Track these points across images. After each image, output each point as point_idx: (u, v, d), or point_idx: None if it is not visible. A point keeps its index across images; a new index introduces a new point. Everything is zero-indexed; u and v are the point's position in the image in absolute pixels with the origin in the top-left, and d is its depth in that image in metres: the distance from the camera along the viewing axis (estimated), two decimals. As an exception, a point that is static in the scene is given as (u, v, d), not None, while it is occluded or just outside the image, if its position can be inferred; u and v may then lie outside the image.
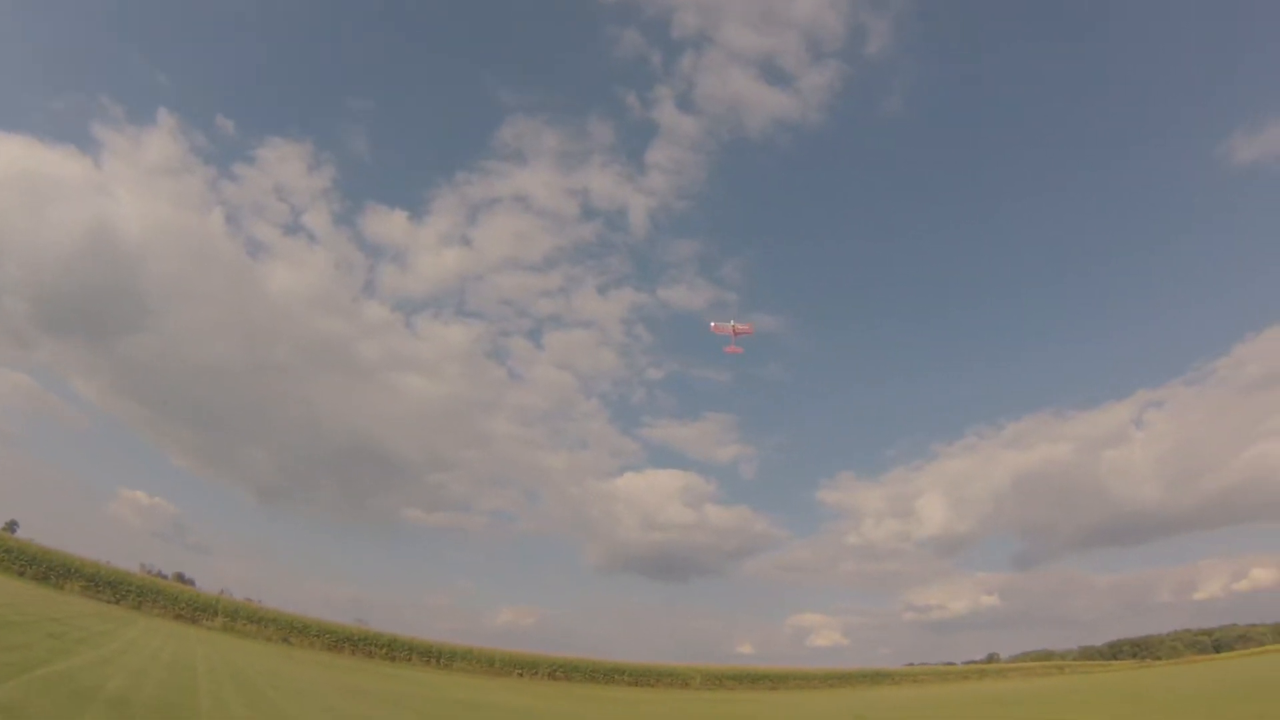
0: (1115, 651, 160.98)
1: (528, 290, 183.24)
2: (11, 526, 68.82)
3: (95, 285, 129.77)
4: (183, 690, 20.33)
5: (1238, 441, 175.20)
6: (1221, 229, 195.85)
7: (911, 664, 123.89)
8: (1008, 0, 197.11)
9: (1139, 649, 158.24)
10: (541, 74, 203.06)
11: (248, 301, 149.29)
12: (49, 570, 50.31)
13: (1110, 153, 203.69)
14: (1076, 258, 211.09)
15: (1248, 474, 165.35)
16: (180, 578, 72.55)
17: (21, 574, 49.40)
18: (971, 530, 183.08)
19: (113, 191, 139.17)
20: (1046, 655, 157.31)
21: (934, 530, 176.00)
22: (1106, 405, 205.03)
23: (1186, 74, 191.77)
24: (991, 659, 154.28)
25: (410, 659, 59.18)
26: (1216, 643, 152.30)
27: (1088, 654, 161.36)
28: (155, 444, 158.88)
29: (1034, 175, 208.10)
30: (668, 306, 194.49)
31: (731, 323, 62.55)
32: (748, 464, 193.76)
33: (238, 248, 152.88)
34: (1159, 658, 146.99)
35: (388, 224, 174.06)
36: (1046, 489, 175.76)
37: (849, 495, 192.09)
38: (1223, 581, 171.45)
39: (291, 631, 55.41)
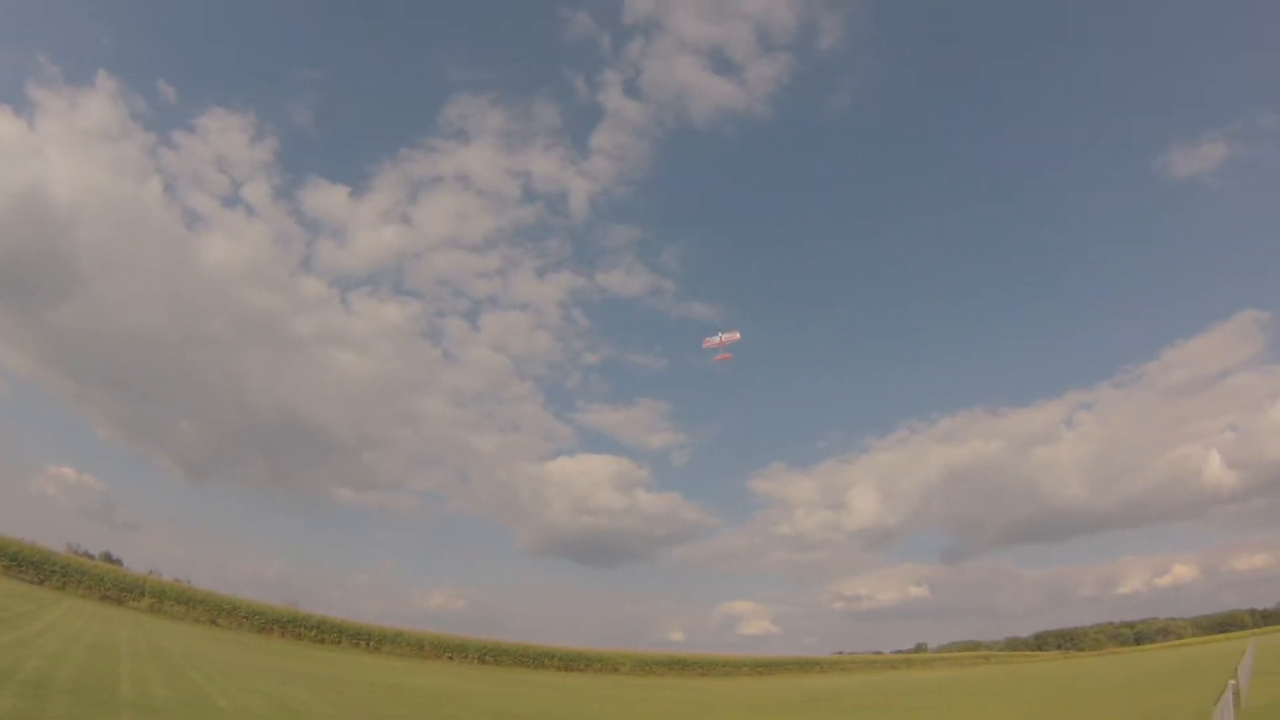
0: (1041, 643, 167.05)
1: (465, 270, 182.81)
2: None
3: (24, 252, 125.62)
4: (103, 672, 20.60)
5: (1162, 443, 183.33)
6: (1157, 240, 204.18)
7: (841, 653, 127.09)
8: (958, 8, 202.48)
9: (1064, 640, 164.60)
10: (490, 52, 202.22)
11: (182, 273, 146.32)
12: (-31, 549, 49.38)
13: (1052, 162, 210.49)
14: (1015, 261, 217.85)
15: (1171, 475, 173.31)
16: (108, 557, 71.35)
17: (-61, 553, 48.50)
18: (901, 522, 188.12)
19: (46, 155, 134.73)
20: (974, 646, 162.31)
21: (864, 522, 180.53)
22: (1038, 404, 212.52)
23: (1129, 88, 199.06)
24: (920, 649, 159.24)
25: (339, 641, 59.42)
26: (1138, 635, 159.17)
27: (1014, 645, 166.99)
28: (83, 417, 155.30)
29: (976, 181, 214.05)
30: (605, 291, 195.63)
31: (719, 335, 65.07)
32: (680, 451, 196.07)
33: (174, 218, 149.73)
34: (1083, 649, 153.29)
35: (328, 199, 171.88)
36: (977, 484, 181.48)
37: (780, 485, 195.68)
38: (1145, 577, 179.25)
39: (220, 613, 55.09)
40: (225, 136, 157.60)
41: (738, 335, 68.54)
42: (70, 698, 15.61)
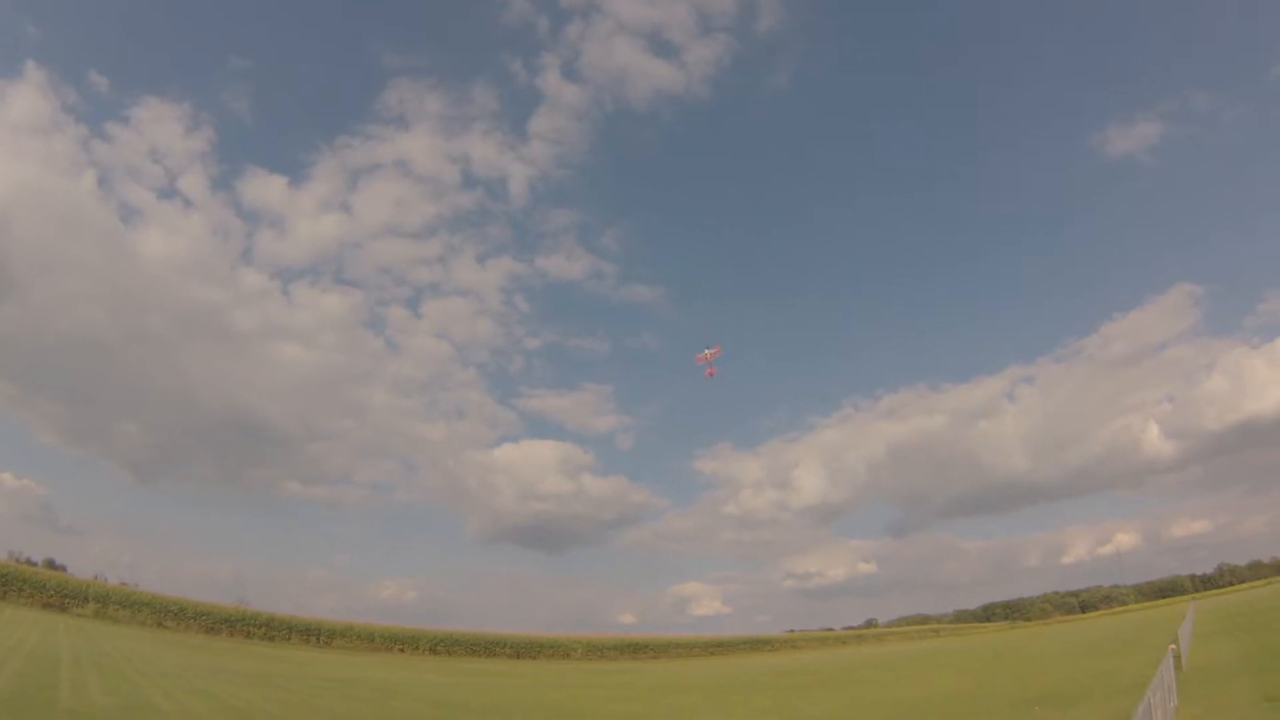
0: (989, 614, 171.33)
1: (406, 258, 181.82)
2: None
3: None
4: (42, 680, 20.63)
5: (1102, 415, 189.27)
6: (1094, 216, 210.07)
7: (793, 631, 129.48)
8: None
9: (1011, 611, 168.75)
10: (428, 37, 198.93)
11: (120, 270, 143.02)
12: (-97, 560, 48.47)
13: (989, 141, 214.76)
14: (954, 239, 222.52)
15: (1111, 445, 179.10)
16: (51, 564, 70.25)
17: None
18: (848, 499, 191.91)
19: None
20: (923, 619, 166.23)
21: (811, 499, 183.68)
22: (979, 379, 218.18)
23: (1064, 68, 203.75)
24: (870, 624, 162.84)
25: (290, 638, 59.32)
26: (1083, 603, 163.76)
27: (962, 617, 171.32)
28: (23, 422, 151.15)
29: (915, 160, 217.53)
30: (546, 276, 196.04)
31: (706, 351, 67.36)
32: (625, 434, 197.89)
33: (110, 213, 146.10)
34: (1030, 619, 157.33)
35: (267, 189, 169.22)
36: (921, 459, 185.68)
37: (726, 465, 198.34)
38: (1088, 546, 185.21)
39: (166, 615, 54.70)
40: (160, 127, 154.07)
41: (720, 349, 70.82)
42: (5, 707, 15.83)
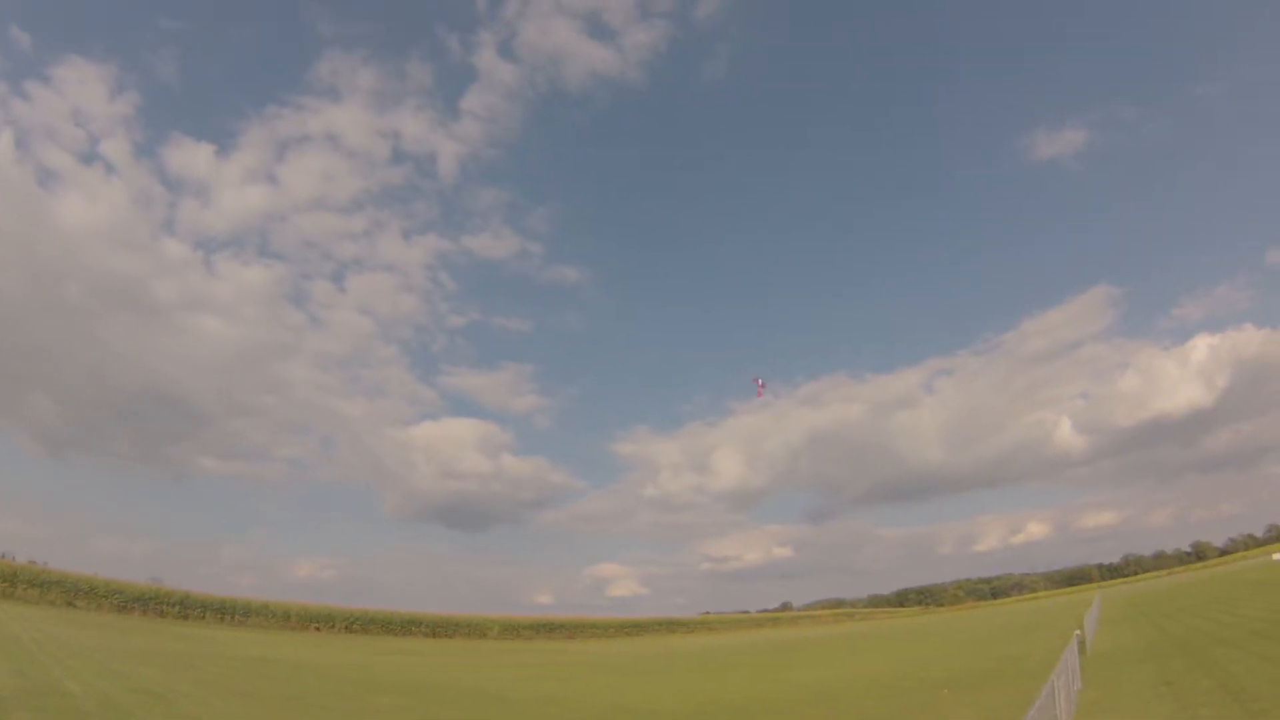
0: (903, 599, 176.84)
1: (332, 232, 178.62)
2: None
3: None
4: None
5: (1018, 408, 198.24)
6: (1018, 215, 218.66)
7: (708, 613, 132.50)
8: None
9: (924, 596, 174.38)
10: (363, 7, 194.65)
11: (36, 235, 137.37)
12: None
13: (919, 135, 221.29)
14: (880, 232, 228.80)
15: (1025, 438, 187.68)
16: (-46, 541, 68.14)
17: None
18: (766, 484, 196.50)
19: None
20: (838, 603, 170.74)
21: (730, 484, 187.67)
22: (899, 370, 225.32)
23: (995, 71, 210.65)
24: (785, 607, 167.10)
25: (204, 617, 58.83)
26: (994, 590, 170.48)
27: (877, 602, 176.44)
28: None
29: (845, 151, 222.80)
30: (472, 254, 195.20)
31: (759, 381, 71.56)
32: (544, 415, 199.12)
33: (26, 175, 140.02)
34: (943, 604, 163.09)
35: (192, 157, 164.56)
36: (839, 447, 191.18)
37: (645, 448, 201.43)
38: (1000, 535, 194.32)
39: (77, 594, 53.67)
40: (83, 88, 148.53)
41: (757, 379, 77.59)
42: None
